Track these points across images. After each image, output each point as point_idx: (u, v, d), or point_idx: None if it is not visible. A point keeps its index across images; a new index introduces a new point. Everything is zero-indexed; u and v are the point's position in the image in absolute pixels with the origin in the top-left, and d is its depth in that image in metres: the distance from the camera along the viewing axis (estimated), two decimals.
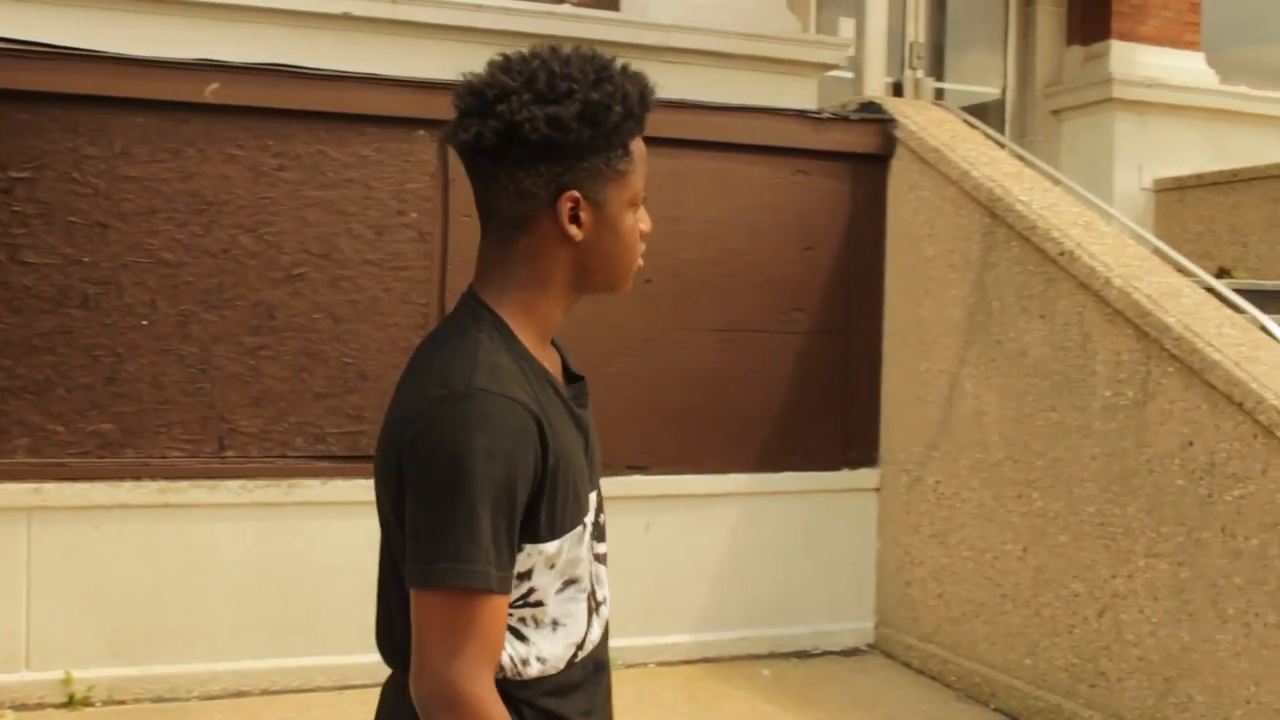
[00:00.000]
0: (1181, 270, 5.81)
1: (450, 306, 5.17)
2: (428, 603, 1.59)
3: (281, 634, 5.11)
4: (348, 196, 5.19)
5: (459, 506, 1.56)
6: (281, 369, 5.09)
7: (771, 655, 5.79)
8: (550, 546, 1.68)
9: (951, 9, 9.25)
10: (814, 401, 5.92)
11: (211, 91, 4.99)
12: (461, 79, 1.73)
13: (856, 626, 6.01)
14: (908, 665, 5.76)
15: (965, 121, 6.46)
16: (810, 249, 5.91)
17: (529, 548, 1.66)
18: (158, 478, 4.96)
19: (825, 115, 6.02)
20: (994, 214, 5.34)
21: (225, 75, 5.02)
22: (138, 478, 4.93)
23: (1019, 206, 5.24)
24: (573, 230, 1.71)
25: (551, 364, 1.79)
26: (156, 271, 4.97)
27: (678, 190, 5.59)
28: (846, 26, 7.90)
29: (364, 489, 5.04)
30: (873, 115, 6.05)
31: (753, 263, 5.79)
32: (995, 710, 5.22)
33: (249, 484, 5.05)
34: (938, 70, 9.07)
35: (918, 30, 8.76)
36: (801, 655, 5.83)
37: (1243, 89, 9.13)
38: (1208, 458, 4.37)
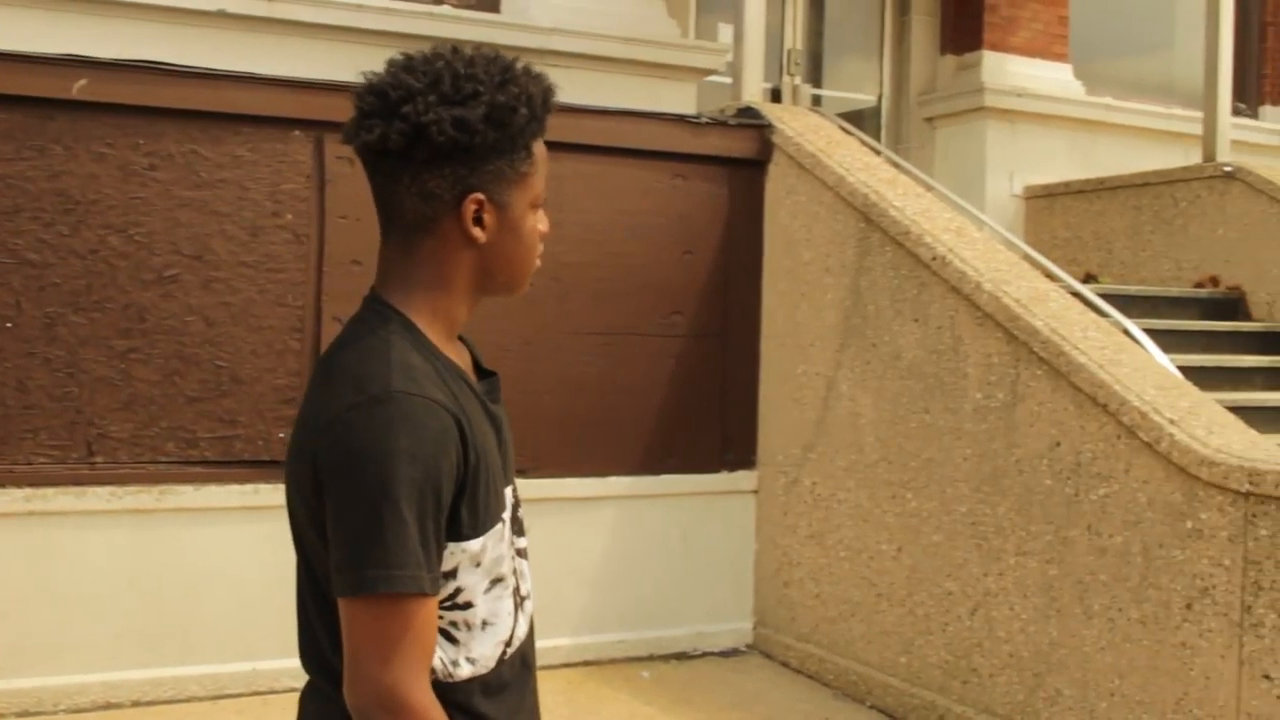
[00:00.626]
0: (1049, 275, 5.96)
1: (327, 308, 5.15)
2: (359, 611, 1.57)
3: (154, 644, 5.00)
4: (221, 197, 5.10)
5: (384, 512, 1.55)
6: (152, 372, 4.99)
7: (651, 657, 5.81)
8: (474, 544, 1.67)
9: (829, 17, 9.38)
10: (693, 404, 5.96)
11: (79, 88, 4.87)
12: (362, 78, 1.71)
13: (735, 627, 6.06)
14: (786, 665, 5.82)
15: (841, 128, 6.56)
16: (689, 253, 5.95)
17: (452, 546, 1.65)
18: (23, 485, 4.82)
19: (704, 120, 6.06)
20: (869, 219, 5.43)
21: (94, 71, 4.91)
22: (2, 485, 4.79)
23: (893, 212, 5.33)
24: (476, 232, 1.71)
25: (461, 360, 1.79)
26: (21, 272, 4.83)
27: (557, 194, 5.59)
28: (725, 32, 7.96)
29: (238, 495, 5.01)
30: (750, 121, 6.11)
31: (632, 266, 5.81)
32: (872, 708, 5.30)
33: (119, 490, 4.93)
34: (815, 77, 9.19)
35: (796, 37, 8.86)
36: (681, 657, 5.86)
37: (1108, 100, 9.39)
38: (1074, 458, 4.48)
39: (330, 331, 5.17)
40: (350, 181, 5.21)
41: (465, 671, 1.71)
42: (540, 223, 1.82)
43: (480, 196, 1.70)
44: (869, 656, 5.38)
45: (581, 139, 5.58)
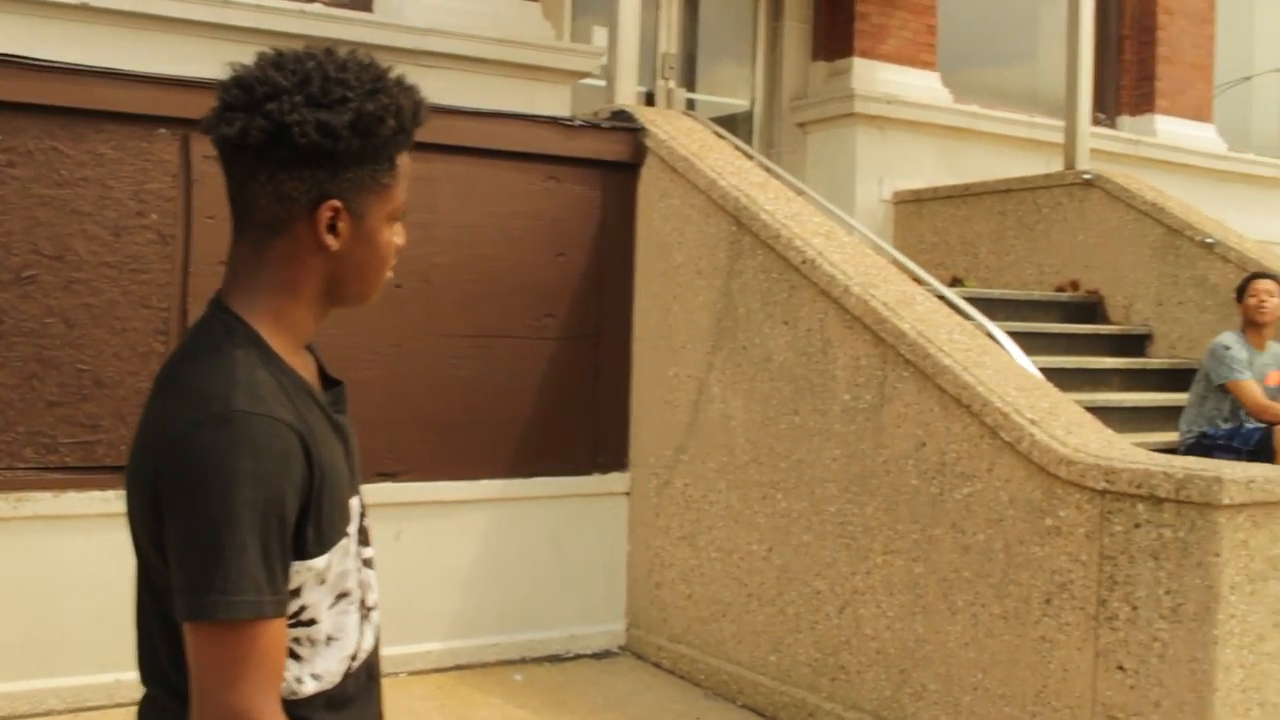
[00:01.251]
0: (917, 279, 6.08)
1: (192, 311, 5.04)
2: (202, 636, 1.53)
3: (10, 656, 4.85)
4: (83, 196, 4.98)
5: (225, 535, 1.51)
6: (10, 376, 4.85)
7: (524, 660, 5.80)
8: (319, 562, 1.64)
9: (703, 21, 9.45)
10: (565, 407, 5.96)
11: None
12: (229, 71, 1.65)
13: (608, 629, 6.07)
14: (658, 666, 5.85)
15: (714, 132, 6.61)
16: (562, 255, 5.95)
17: (297, 565, 1.62)
18: None
19: (577, 123, 6.07)
20: (740, 223, 5.48)
21: None
22: None
23: (764, 216, 5.39)
24: (329, 240, 1.66)
25: (307, 371, 1.75)
26: None
27: (430, 195, 5.56)
28: (600, 35, 7.99)
29: (100, 501, 4.89)
30: (624, 124, 6.13)
31: (504, 268, 5.79)
32: (743, 707, 5.35)
33: None
34: (689, 81, 9.25)
35: (670, 41, 8.92)
36: (554, 659, 5.86)
37: (974, 108, 9.60)
38: (939, 458, 4.57)
39: None
40: (218, 181, 5.06)
41: (310, 688, 1.68)
42: (397, 235, 1.75)
43: (337, 204, 1.65)
44: (740, 656, 5.43)
45: (454, 140, 5.55)
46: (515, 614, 5.84)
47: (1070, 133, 8.41)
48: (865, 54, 9.19)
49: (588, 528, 6.02)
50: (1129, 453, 4.19)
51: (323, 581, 1.66)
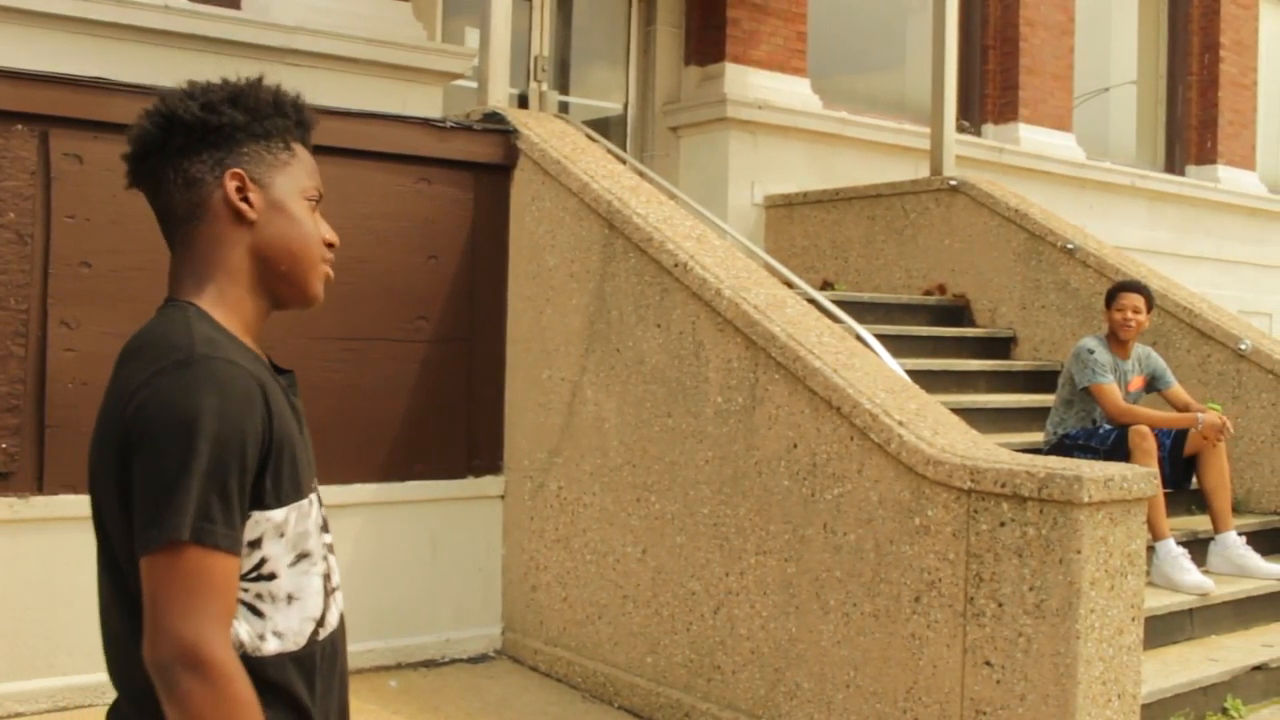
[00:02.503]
0: (787, 283, 6.16)
1: (53, 313, 4.92)
2: (161, 564, 1.58)
3: None
4: None
5: (189, 467, 1.58)
6: None
7: (399, 666, 5.74)
8: (278, 514, 1.70)
9: (576, 24, 9.44)
10: (439, 410, 5.91)
11: None
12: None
13: (484, 633, 6.04)
14: (535, 669, 5.83)
15: (587, 135, 6.62)
16: (434, 257, 5.91)
17: (256, 515, 1.68)
18: None
19: (449, 124, 6.03)
20: (613, 226, 5.49)
21: None
22: None
23: (636, 219, 5.41)
24: (244, 208, 1.78)
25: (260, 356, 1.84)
26: None
27: None
28: (473, 37, 7.95)
29: None
30: (496, 126, 6.11)
31: (376, 271, 5.73)
32: (620, 709, 5.36)
33: None
34: (563, 84, 9.24)
35: (543, 44, 8.90)
36: (429, 664, 5.81)
37: (844, 114, 9.73)
38: (810, 459, 4.63)
39: (57, 336, 4.94)
40: (78, 180, 4.98)
41: (273, 646, 1.72)
42: (325, 231, 1.88)
43: (240, 172, 1.78)
44: (616, 658, 5.43)
45: (323, 141, 5.40)
46: (390, 619, 5.78)
47: (936, 139, 8.57)
48: (737, 59, 9.26)
49: (462, 531, 5.98)
50: (993, 453, 4.28)
51: (282, 535, 1.72)
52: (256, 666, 1.68)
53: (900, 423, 4.36)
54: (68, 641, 4.87)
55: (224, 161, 1.78)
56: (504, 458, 6.08)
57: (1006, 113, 11.03)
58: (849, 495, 4.49)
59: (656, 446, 5.26)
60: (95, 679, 4.76)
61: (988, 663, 4.05)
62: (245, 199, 1.78)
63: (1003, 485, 4.01)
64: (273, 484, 1.69)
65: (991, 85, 11.12)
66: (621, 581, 5.42)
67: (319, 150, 1.83)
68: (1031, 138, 10.94)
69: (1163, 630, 5.42)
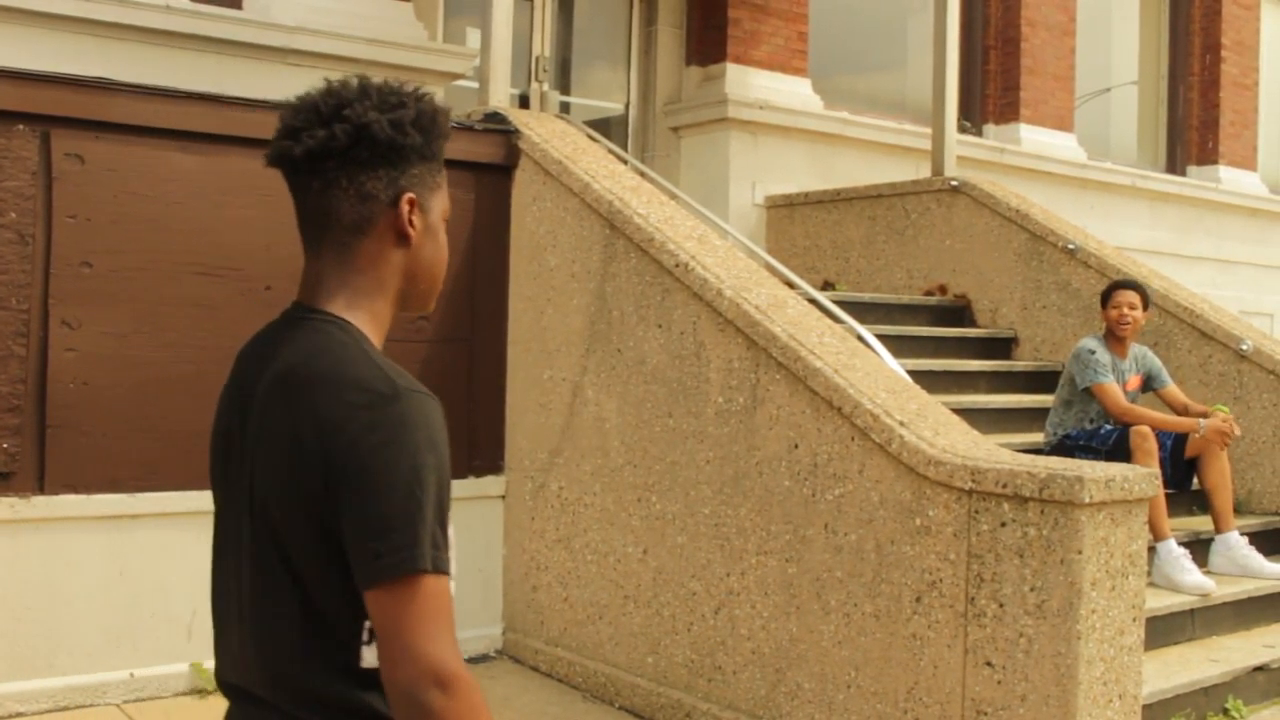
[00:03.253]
0: (788, 283, 6.15)
1: (54, 313, 4.90)
2: (404, 594, 1.63)
3: None
4: None
5: (420, 501, 1.65)
6: None
7: None
8: (451, 531, 1.75)
9: (578, 24, 9.43)
10: None
11: None
12: (286, 102, 1.81)
13: (485, 633, 6.04)
14: (536, 669, 5.83)
15: (588, 135, 6.61)
16: None
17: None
18: None
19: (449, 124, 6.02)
20: (614, 226, 5.49)
21: None
22: None
23: (637, 219, 5.40)
24: (411, 232, 1.82)
25: None
26: None
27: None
28: (474, 37, 7.94)
29: None
30: (497, 126, 6.10)
31: None
32: (620, 709, 5.36)
33: None
34: (564, 84, 9.24)
35: (544, 44, 8.89)
36: None
37: (844, 114, 9.72)
38: (811, 459, 4.63)
39: (58, 336, 4.94)
40: (80, 180, 4.98)
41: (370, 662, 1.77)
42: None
43: (413, 196, 1.82)
44: (617, 658, 5.43)
45: None
46: None
47: (937, 140, 8.56)
48: (738, 60, 9.25)
49: (463, 532, 5.92)
50: (994, 453, 4.28)
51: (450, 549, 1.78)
52: (374, 681, 1.72)
53: (901, 423, 4.36)
54: (68, 641, 4.86)
55: (397, 181, 1.80)
56: (505, 458, 6.08)
57: (1008, 113, 11.03)
58: (850, 495, 4.49)
59: (657, 447, 5.26)
60: (95, 679, 4.76)
61: (989, 663, 4.05)
62: (412, 222, 1.82)
63: (1004, 486, 4.01)
64: (449, 502, 1.77)
65: (993, 85, 11.12)
66: (622, 582, 5.42)
67: None
68: (1033, 138, 10.93)
69: (1164, 631, 5.42)
